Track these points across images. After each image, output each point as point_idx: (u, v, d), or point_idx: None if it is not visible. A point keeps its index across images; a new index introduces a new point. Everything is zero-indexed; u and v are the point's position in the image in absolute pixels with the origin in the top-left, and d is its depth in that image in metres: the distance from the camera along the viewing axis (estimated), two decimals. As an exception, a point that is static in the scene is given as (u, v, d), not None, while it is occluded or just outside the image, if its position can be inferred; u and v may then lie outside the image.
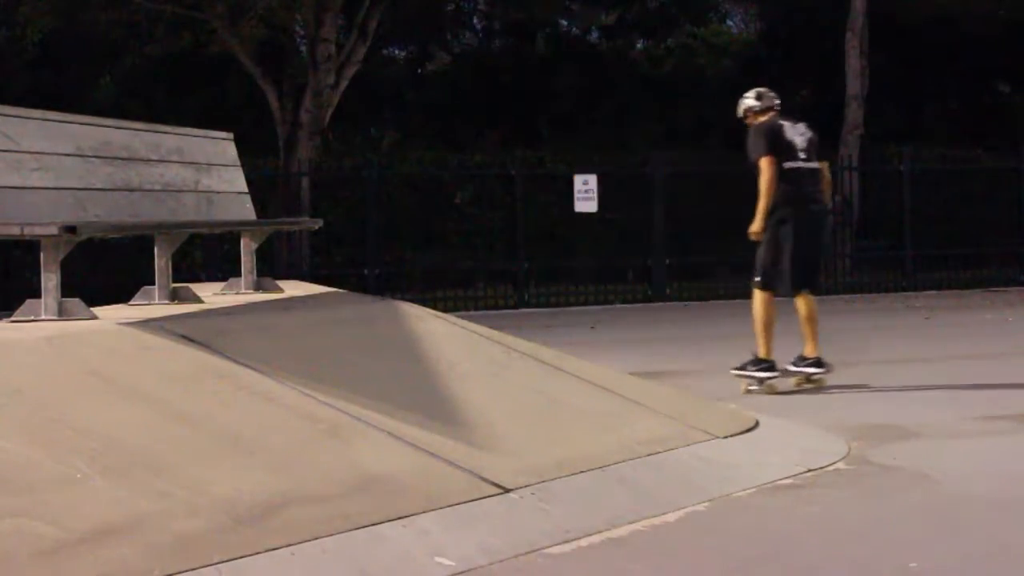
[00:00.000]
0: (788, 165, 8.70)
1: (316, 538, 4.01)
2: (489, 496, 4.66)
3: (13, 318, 5.54)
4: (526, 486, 4.81)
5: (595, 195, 18.58)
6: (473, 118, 27.03)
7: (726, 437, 6.05)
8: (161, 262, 6.71)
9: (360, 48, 20.40)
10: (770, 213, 8.73)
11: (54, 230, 5.40)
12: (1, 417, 4.20)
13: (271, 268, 14.91)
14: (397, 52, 29.88)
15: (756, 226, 8.71)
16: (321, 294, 7.86)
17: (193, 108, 22.56)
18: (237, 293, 7.49)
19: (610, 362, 8.61)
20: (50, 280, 5.52)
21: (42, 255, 5.51)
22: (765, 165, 8.65)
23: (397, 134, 28.45)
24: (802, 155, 8.76)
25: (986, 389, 8.47)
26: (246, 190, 7.96)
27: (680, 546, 4.57)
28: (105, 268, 16.39)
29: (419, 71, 29.90)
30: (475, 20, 30.33)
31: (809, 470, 5.78)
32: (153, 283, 6.70)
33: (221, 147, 7.86)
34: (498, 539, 4.40)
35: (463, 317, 7.89)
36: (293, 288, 8.03)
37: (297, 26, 21.83)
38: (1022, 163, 20.99)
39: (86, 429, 4.28)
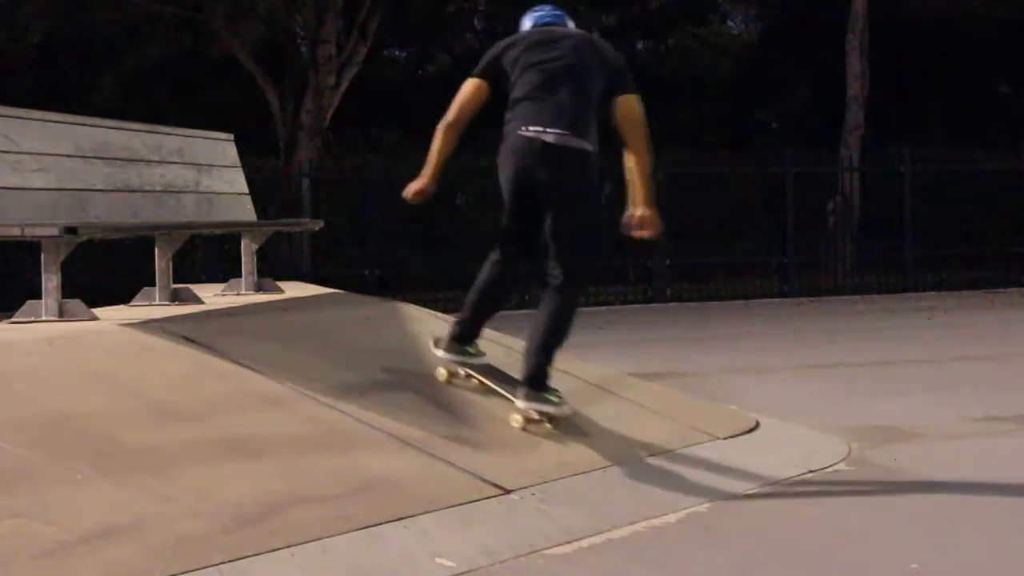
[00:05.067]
0: None
1: (317, 539, 4.01)
2: (490, 497, 4.66)
3: (14, 319, 5.55)
4: (527, 487, 4.81)
5: (595, 195, 18.51)
6: (473, 119, 26.99)
7: (726, 438, 6.05)
8: (162, 263, 6.71)
9: (361, 49, 20.39)
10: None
11: (55, 231, 5.40)
12: (1, 417, 4.20)
13: (272, 269, 14.89)
14: (398, 53, 29.89)
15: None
16: (321, 295, 7.86)
17: (193, 109, 22.55)
18: (238, 294, 7.50)
19: (610, 362, 8.61)
20: (51, 281, 5.52)
21: (43, 256, 5.51)
22: None
23: (398, 135, 28.44)
24: None
25: (986, 390, 8.46)
26: (247, 191, 7.97)
27: (680, 547, 4.56)
28: (105, 269, 16.37)
29: (420, 72, 29.91)
30: (476, 21, 30.33)
31: (810, 471, 5.78)
32: (154, 284, 6.71)
33: (221, 148, 7.87)
34: (498, 540, 4.39)
35: (463, 318, 7.86)
36: (293, 289, 8.04)
37: (297, 27, 21.81)
38: (1022, 163, 20.98)
39: (86, 429, 4.28)
